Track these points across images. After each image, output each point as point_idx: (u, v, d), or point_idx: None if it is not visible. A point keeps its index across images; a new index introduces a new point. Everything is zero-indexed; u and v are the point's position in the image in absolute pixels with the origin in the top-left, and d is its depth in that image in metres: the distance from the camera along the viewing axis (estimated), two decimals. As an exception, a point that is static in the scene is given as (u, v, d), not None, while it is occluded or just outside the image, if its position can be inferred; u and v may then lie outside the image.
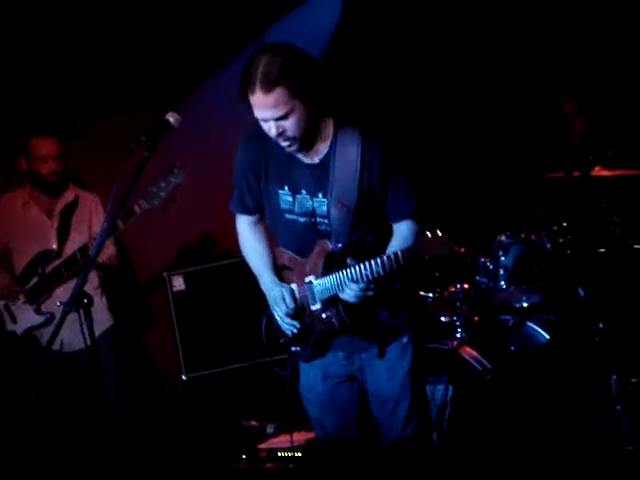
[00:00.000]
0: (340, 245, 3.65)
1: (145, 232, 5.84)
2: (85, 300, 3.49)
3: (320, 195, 3.67)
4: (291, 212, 3.75)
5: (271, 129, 3.51)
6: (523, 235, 5.25)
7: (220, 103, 6.05)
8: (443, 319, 5.29)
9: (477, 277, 5.26)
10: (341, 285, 3.58)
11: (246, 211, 3.93)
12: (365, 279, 3.50)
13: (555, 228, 5.26)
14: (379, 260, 3.45)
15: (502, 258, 5.22)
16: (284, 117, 3.47)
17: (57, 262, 5.38)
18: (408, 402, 3.80)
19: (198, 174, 6.09)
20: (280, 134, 3.51)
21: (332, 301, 3.67)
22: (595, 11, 6.33)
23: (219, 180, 6.15)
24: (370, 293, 3.56)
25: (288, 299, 3.76)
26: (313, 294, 3.73)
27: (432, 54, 6.66)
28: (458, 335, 5.09)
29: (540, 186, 5.76)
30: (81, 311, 3.51)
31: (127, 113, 6.31)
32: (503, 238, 5.24)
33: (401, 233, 3.71)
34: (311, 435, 5.00)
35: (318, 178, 3.66)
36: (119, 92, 6.37)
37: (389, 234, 3.73)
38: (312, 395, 3.95)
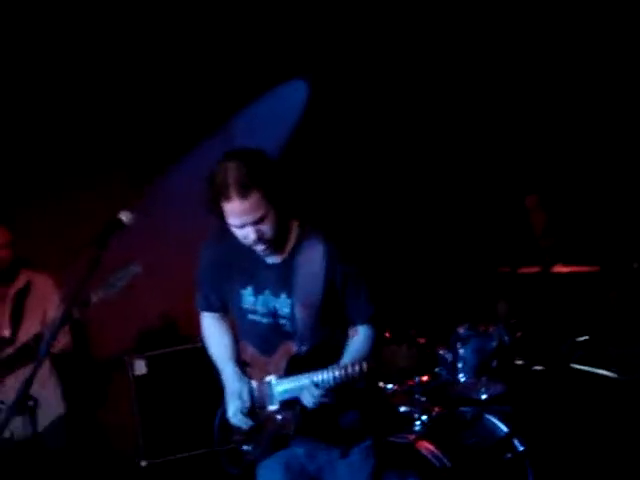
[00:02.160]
0: (305, 348, 3.67)
1: (105, 314, 5.78)
2: (30, 402, 3.46)
3: (283, 295, 3.71)
4: (254, 312, 3.78)
5: (249, 235, 3.56)
6: (482, 327, 5.27)
7: (182, 191, 6.10)
8: (402, 409, 5.26)
9: (436, 369, 5.26)
10: (301, 389, 3.59)
11: (211, 309, 3.97)
12: (327, 385, 3.52)
13: (513, 321, 5.28)
14: (342, 368, 3.49)
15: (461, 350, 5.24)
16: (261, 220, 3.52)
17: (9, 350, 5.27)
18: None
19: (160, 257, 6.15)
20: (259, 238, 3.56)
21: (290, 404, 3.67)
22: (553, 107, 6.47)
23: (181, 264, 6.24)
24: (328, 400, 3.57)
25: (245, 396, 3.75)
26: (272, 394, 3.72)
27: (397, 139, 6.76)
28: (417, 428, 5.07)
29: (501, 279, 5.81)
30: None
31: (83, 192, 6.36)
32: (462, 330, 5.26)
33: (359, 337, 3.74)
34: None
35: (282, 278, 3.70)
36: (73, 171, 6.39)
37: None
38: None
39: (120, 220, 3.63)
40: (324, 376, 3.53)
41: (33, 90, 6.20)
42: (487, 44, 6.53)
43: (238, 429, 3.83)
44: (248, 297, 3.77)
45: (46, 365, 5.46)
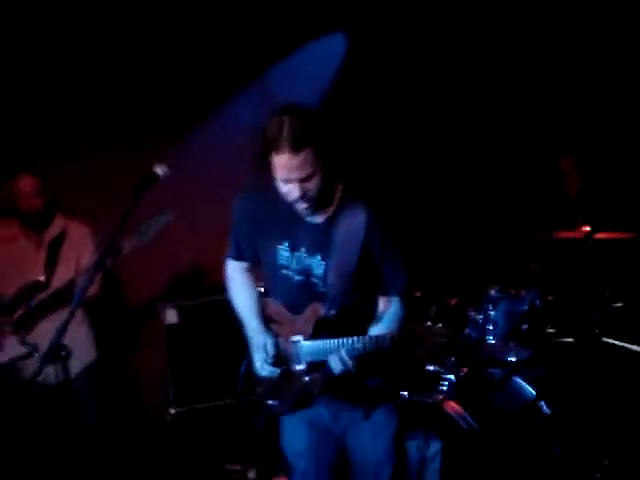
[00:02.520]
0: (333, 312, 3.70)
1: (138, 261, 5.82)
2: (62, 353, 3.50)
3: (319, 256, 3.72)
4: (287, 268, 3.78)
5: (294, 191, 3.56)
6: (513, 290, 5.25)
7: (217, 141, 6.10)
8: (431, 368, 5.26)
9: (466, 329, 5.25)
10: (330, 352, 3.61)
11: (241, 257, 3.98)
12: (355, 353, 3.55)
13: (546, 285, 5.25)
14: (373, 337, 3.53)
15: (491, 312, 5.22)
16: (308, 178, 3.53)
17: (43, 295, 5.39)
18: (391, 466, 3.87)
19: (194, 207, 6.17)
20: (303, 196, 3.57)
21: (317, 366, 3.70)
22: (592, 68, 6.36)
23: (214, 215, 6.25)
24: (355, 368, 3.59)
25: (271, 349, 3.77)
26: (299, 354, 3.75)
27: (432, 105, 6.70)
28: (444, 388, 5.07)
29: (533, 242, 5.77)
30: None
31: (120, 144, 6.38)
32: (492, 292, 5.24)
33: (390, 312, 3.76)
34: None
35: (319, 239, 3.71)
36: (110, 123, 6.40)
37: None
38: (298, 447, 3.97)
39: (155, 174, 3.65)
40: (355, 344, 3.56)
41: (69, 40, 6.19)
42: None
43: (263, 382, 3.86)
44: (283, 253, 3.77)
45: (79, 312, 5.50)
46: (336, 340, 3.61)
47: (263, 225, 3.80)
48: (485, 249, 6.31)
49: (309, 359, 3.72)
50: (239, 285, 4.02)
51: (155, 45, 6.31)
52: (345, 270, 3.67)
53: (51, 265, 5.53)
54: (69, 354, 3.37)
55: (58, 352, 3.45)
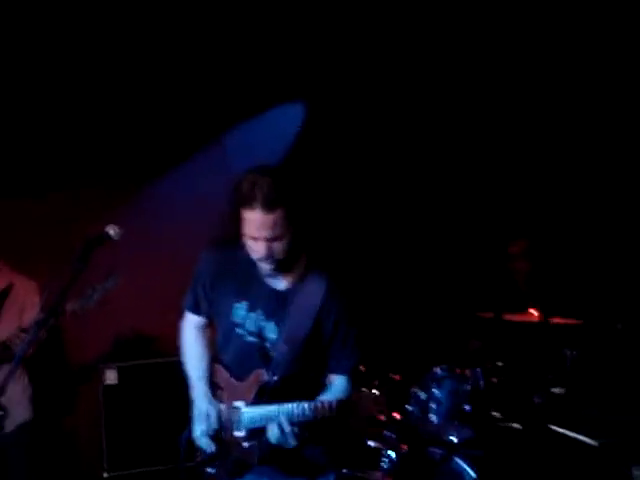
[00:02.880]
0: (275, 378, 3.69)
1: (83, 322, 5.71)
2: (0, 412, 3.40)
3: (273, 322, 3.74)
4: (242, 327, 3.80)
5: (261, 249, 3.59)
6: (458, 370, 5.25)
7: (170, 203, 6.07)
8: (372, 444, 5.22)
9: (408, 406, 5.22)
10: (269, 419, 3.60)
11: (197, 312, 3.99)
12: (294, 419, 3.53)
13: (489, 365, 5.26)
14: (312, 404, 3.51)
15: (435, 390, 5.20)
16: (277, 239, 3.57)
17: None
18: None
19: (142, 270, 6.10)
20: (268, 255, 3.60)
21: (257, 432, 3.68)
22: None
23: (162, 278, 6.20)
24: (291, 442, 3.57)
25: (213, 419, 3.77)
26: (239, 420, 3.74)
27: (385, 181, 6.76)
28: (384, 465, 5.03)
29: (475, 321, 5.80)
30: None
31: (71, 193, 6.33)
32: (438, 371, 5.23)
33: (335, 386, 3.76)
34: None
35: (277, 305, 3.75)
36: (62, 172, 6.36)
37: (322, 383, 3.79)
38: None
39: (107, 234, 3.64)
40: (295, 410, 3.54)
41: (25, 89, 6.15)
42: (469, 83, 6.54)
43: (203, 450, 3.83)
44: (240, 311, 3.80)
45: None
46: (276, 406, 3.60)
47: (225, 280, 3.84)
48: (431, 328, 6.33)
49: (249, 426, 3.71)
50: (191, 344, 4.01)
51: (115, 100, 6.33)
52: (296, 338, 3.69)
53: None
54: (5, 414, 3.24)
55: None
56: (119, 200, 6.24)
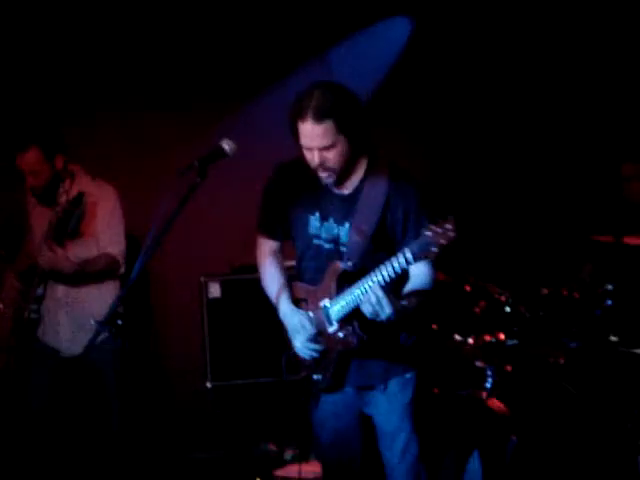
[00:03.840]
0: (351, 263, 3.81)
1: (185, 235, 5.78)
2: (118, 321, 3.45)
3: (346, 224, 3.87)
4: (318, 237, 3.95)
5: (314, 158, 3.74)
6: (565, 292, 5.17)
7: (274, 117, 6.02)
8: (478, 364, 5.20)
9: (515, 328, 5.18)
10: (355, 299, 3.70)
11: (272, 235, 4.12)
12: (378, 283, 3.59)
13: (599, 290, 5.15)
14: (387, 262, 3.58)
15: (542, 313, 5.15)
16: (328, 148, 3.71)
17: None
18: (406, 432, 3.99)
19: (245, 184, 6.10)
20: (321, 164, 3.73)
21: (348, 319, 3.79)
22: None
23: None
24: (387, 310, 3.60)
25: (308, 325, 3.89)
26: (329, 316, 3.85)
27: (492, 100, 6.62)
28: (488, 385, 5.02)
29: (590, 246, 5.67)
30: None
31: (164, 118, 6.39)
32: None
33: (416, 274, 3.85)
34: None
35: (346, 208, 3.88)
36: (154, 96, 6.43)
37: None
38: (322, 430, 4.12)
39: (222, 148, 3.62)
40: (373, 277, 3.61)
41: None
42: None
43: (305, 363, 3.97)
44: (314, 222, 3.94)
45: (111, 282, 5.42)
46: (356, 284, 3.70)
47: (295, 197, 3.98)
48: (541, 250, 6.24)
49: (339, 316, 3.81)
50: (267, 267, 4.12)
51: (215, 18, 6.32)
52: (364, 233, 3.80)
53: (59, 238, 5.17)
54: (124, 322, 3.29)
55: (114, 320, 3.37)
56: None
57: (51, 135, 5.29)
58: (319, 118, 3.64)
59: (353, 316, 3.75)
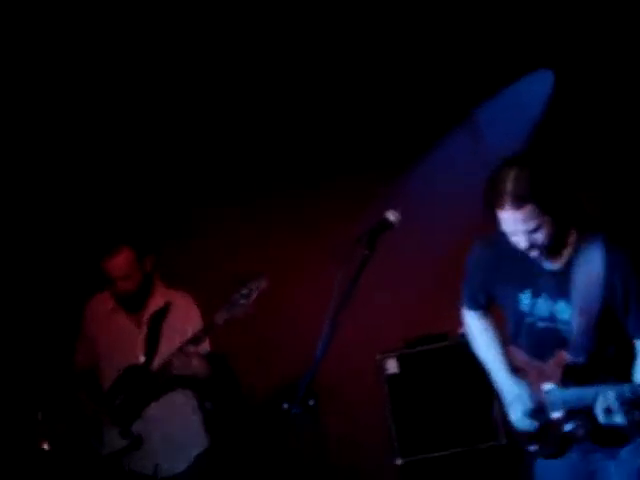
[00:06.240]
0: (581, 358, 3.64)
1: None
2: (310, 402, 3.42)
3: (561, 301, 3.67)
4: (530, 315, 3.77)
5: (521, 242, 3.55)
6: None
7: (432, 186, 6.05)
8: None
9: None
10: (588, 400, 3.54)
11: (478, 307, 4.00)
12: (622, 400, 3.44)
13: None
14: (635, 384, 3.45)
15: None
16: (535, 231, 3.51)
17: (145, 377, 4.99)
18: None
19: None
20: (531, 246, 3.55)
21: (576, 413, 3.65)
22: None
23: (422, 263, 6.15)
24: (619, 420, 3.48)
25: (527, 400, 3.77)
26: (553, 402, 3.71)
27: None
28: None
29: None
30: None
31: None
32: None
33: None
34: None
35: (560, 283, 3.67)
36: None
37: (631, 349, 3.66)
38: None
39: (387, 220, 3.61)
40: (620, 389, 3.46)
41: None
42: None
43: (521, 432, 3.85)
44: (525, 300, 3.76)
45: (185, 395, 5.16)
46: (595, 388, 3.54)
47: (501, 273, 3.81)
48: None
49: (564, 407, 3.67)
50: (480, 334, 4.02)
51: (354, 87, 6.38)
52: (589, 315, 3.60)
53: (152, 344, 5.06)
54: (317, 403, 3.24)
55: (306, 401, 3.35)
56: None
57: (142, 234, 5.29)
58: (518, 204, 3.45)
59: (583, 412, 3.62)
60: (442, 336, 6.14)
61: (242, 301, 4.73)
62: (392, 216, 3.63)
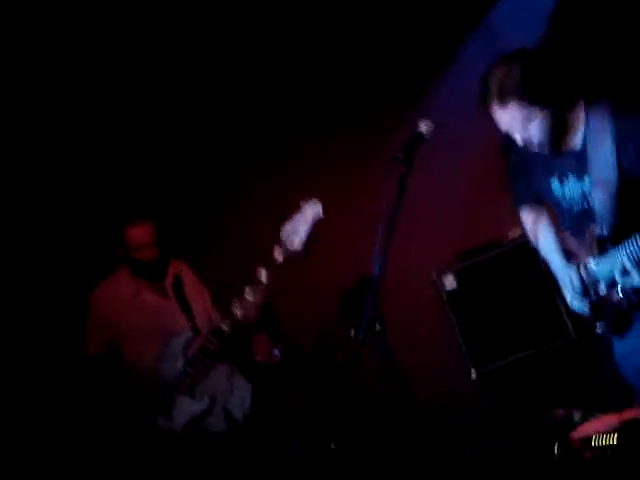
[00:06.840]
0: (605, 231, 3.63)
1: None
2: (377, 325, 3.39)
3: (585, 179, 3.65)
4: (563, 199, 3.78)
5: (518, 140, 3.55)
6: None
7: (455, 99, 5.94)
8: None
9: None
10: (617, 266, 3.55)
11: (525, 201, 4.04)
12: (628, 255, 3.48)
13: None
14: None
15: None
16: (527, 127, 3.48)
17: (199, 340, 4.99)
18: None
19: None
20: (527, 143, 3.54)
21: (615, 284, 3.64)
22: None
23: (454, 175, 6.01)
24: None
25: (575, 282, 3.77)
26: (596, 277, 3.71)
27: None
28: None
29: None
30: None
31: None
32: None
33: None
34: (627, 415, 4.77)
35: (580, 162, 3.64)
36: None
37: None
38: (623, 371, 3.91)
39: (420, 132, 3.50)
40: (630, 248, 3.48)
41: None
42: None
43: (584, 316, 3.85)
44: (555, 185, 3.77)
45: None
46: (615, 250, 3.55)
47: (531, 165, 3.82)
48: None
49: (605, 279, 3.67)
50: (535, 228, 4.03)
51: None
52: (607, 187, 3.57)
53: (187, 310, 5.14)
54: (384, 327, 3.20)
55: (373, 325, 3.30)
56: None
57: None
58: (502, 103, 3.43)
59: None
60: (494, 244, 6.06)
61: (298, 233, 4.66)
62: (424, 126, 3.53)
